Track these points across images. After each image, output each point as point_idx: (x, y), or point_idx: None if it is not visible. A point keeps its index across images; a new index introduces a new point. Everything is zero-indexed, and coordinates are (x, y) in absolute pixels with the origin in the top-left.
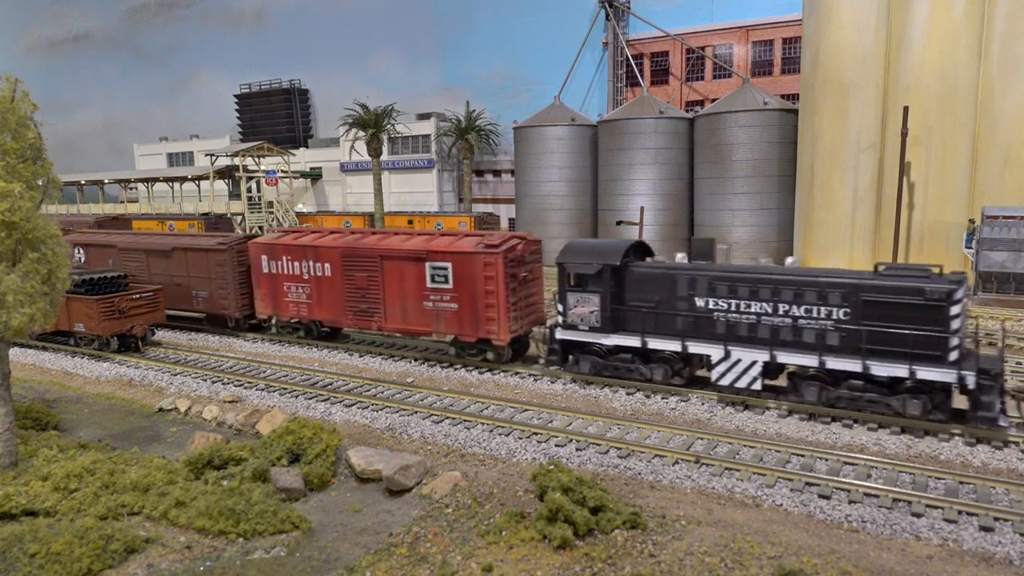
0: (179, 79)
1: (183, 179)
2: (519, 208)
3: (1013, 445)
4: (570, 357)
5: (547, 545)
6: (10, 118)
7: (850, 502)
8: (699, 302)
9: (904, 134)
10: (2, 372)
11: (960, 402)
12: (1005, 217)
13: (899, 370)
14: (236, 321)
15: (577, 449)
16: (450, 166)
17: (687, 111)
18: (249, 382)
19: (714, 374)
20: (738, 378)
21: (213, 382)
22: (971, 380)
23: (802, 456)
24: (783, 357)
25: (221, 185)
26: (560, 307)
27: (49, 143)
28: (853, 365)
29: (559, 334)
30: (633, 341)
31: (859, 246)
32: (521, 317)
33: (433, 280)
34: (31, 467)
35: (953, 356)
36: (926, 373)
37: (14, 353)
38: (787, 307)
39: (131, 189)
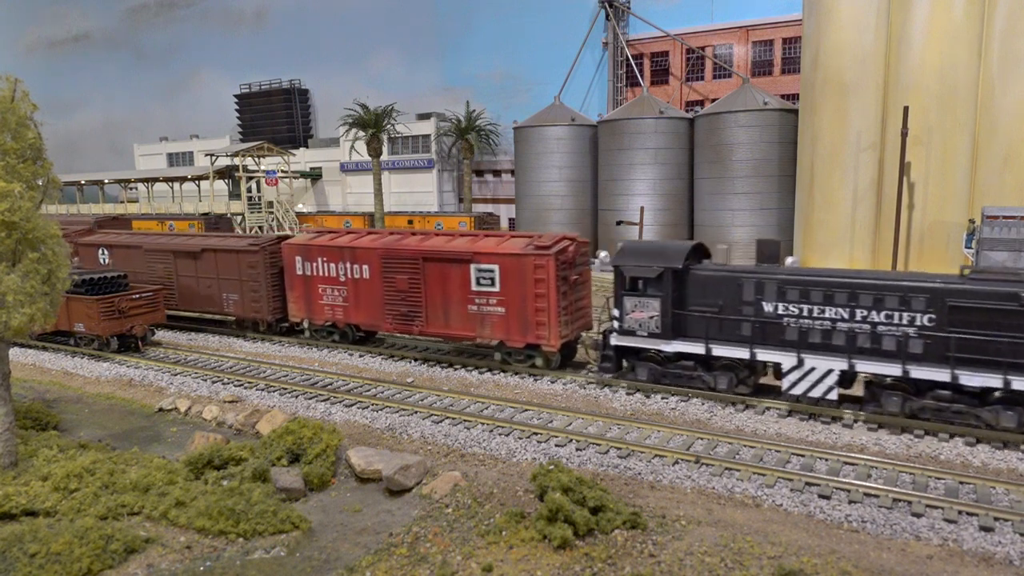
0: (179, 79)
1: (183, 179)
2: (519, 208)
3: (1013, 445)
4: (624, 364)
5: (547, 545)
6: (10, 118)
7: (850, 502)
8: (767, 307)
9: (904, 134)
10: (2, 372)
11: None
12: (1005, 217)
13: (991, 380)
14: (268, 325)
15: (577, 449)
16: (450, 166)
17: (687, 111)
18: (249, 382)
19: (785, 383)
20: (812, 387)
21: (213, 382)
22: None
23: (802, 456)
24: (862, 366)
25: (221, 185)
26: (616, 311)
27: (49, 143)
28: (940, 374)
29: (614, 340)
30: (696, 348)
31: (859, 246)
32: (571, 322)
33: (479, 283)
34: (31, 467)
35: None
36: (1022, 383)
37: (14, 353)
38: (865, 312)
39: (131, 189)
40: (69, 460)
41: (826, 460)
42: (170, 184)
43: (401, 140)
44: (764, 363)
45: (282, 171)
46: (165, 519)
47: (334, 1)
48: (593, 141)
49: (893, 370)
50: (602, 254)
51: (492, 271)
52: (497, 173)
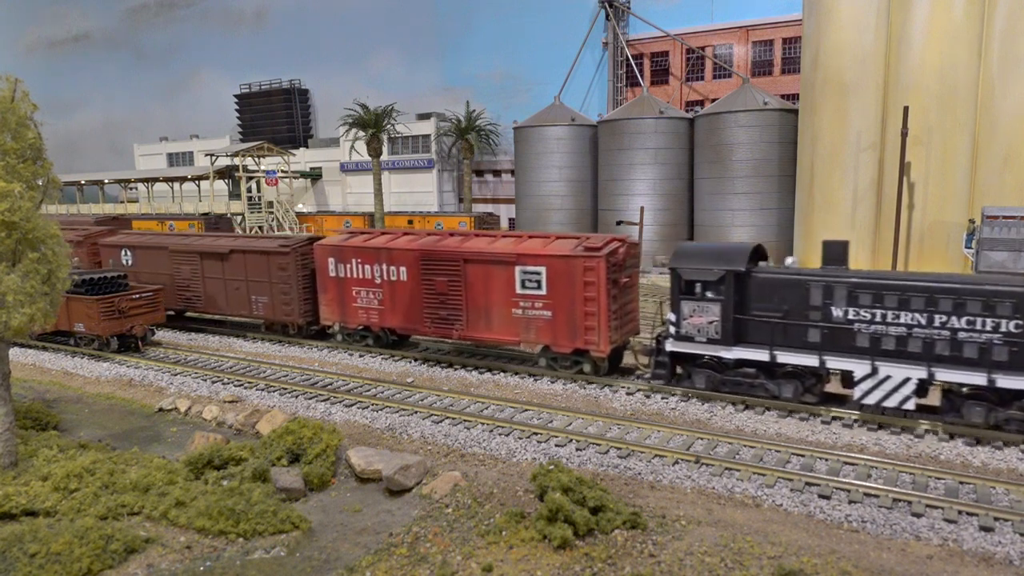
0: (179, 79)
1: (183, 179)
2: (519, 208)
3: (1013, 445)
4: (678, 371)
5: (547, 545)
6: (10, 118)
7: (850, 502)
8: (836, 312)
9: (904, 134)
10: (2, 372)
11: None
12: (1005, 217)
13: None
14: (299, 328)
15: (577, 449)
16: (450, 166)
17: (687, 111)
18: (249, 382)
19: (857, 392)
20: (887, 396)
21: (213, 382)
22: None
23: (802, 456)
24: (942, 374)
25: (221, 185)
26: (672, 316)
27: (49, 143)
28: None
29: (670, 346)
30: (759, 354)
31: (859, 246)
32: (621, 326)
33: (524, 286)
34: (31, 467)
35: None
36: None
37: (14, 353)
38: (944, 318)
39: (131, 189)
40: (69, 460)
41: (826, 460)
42: (170, 184)
43: (401, 140)
44: (830, 371)
45: (282, 171)
46: (165, 519)
47: (334, 1)
48: (593, 141)
49: (978, 379)
50: None
51: (539, 273)
52: (497, 173)
